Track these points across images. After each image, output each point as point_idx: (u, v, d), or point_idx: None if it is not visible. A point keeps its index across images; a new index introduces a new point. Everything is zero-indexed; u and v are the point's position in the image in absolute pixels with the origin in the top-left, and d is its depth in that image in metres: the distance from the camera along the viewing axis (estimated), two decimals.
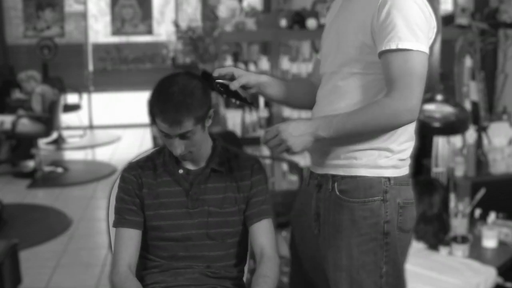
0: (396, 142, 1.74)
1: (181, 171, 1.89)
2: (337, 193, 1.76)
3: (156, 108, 1.75)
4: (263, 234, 1.89)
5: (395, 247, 1.76)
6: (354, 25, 1.72)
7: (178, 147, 1.78)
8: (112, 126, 9.49)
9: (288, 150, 1.67)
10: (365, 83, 1.72)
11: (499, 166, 3.75)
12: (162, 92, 1.76)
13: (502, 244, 3.16)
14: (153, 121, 1.78)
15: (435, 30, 1.71)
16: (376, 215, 1.73)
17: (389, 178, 1.74)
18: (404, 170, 1.78)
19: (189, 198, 1.88)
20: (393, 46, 1.61)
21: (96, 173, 6.65)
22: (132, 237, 1.87)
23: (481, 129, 3.91)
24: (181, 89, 1.74)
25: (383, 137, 1.72)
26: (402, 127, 1.71)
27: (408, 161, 1.81)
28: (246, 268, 2.03)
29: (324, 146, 1.77)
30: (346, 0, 1.82)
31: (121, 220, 1.88)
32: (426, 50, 1.64)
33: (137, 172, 1.90)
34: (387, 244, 1.74)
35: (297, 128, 1.66)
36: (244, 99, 1.86)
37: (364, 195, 1.73)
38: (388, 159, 1.74)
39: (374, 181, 1.73)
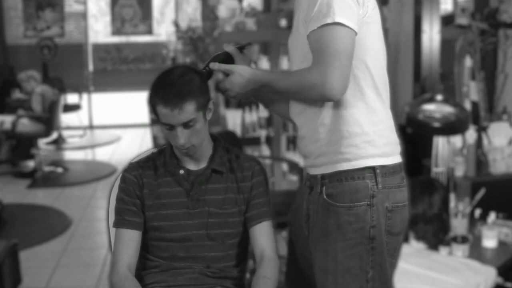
0: (367, 125, 1.71)
1: (182, 171, 1.89)
2: (325, 196, 1.74)
3: (156, 96, 1.76)
4: (264, 236, 1.89)
5: (382, 251, 1.74)
6: (300, 25, 1.74)
7: (182, 137, 1.78)
8: (112, 126, 9.49)
9: (234, 96, 1.78)
10: None
11: (499, 166, 3.75)
12: (162, 81, 1.79)
13: (502, 244, 3.16)
14: (154, 113, 1.79)
15: (369, 5, 1.68)
16: (361, 220, 1.70)
17: (375, 175, 1.70)
18: (392, 159, 1.74)
19: (189, 198, 1.88)
20: (313, 27, 1.61)
21: (96, 173, 6.65)
22: (131, 238, 1.87)
23: (481, 129, 3.91)
24: (180, 76, 1.78)
25: (356, 122, 1.70)
26: (370, 106, 1.71)
27: (396, 147, 1.77)
28: (246, 268, 2.03)
29: (314, 146, 1.77)
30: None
31: (121, 220, 1.88)
32: (348, 23, 1.59)
33: (138, 172, 1.90)
34: (373, 249, 1.73)
35: (240, 78, 1.73)
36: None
37: (350, 200, 1.70)
38: (369, 145, 1.70)
39: (361, 186, 1.70)
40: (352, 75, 1.65)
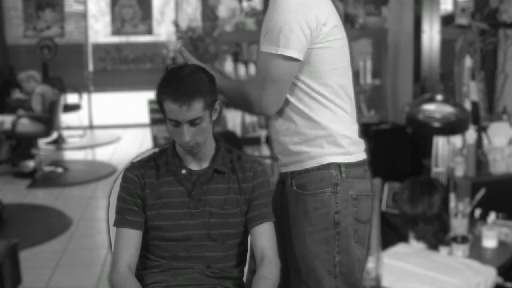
0: (331, 128, 1.89)
1: (183, 171, 1.89)
2: (295, 188, 1.93)
3: (165, 92, 1.77)
4: (264, 237, 1.89)
5: (348, 237, 1.90)
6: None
7: (187, 134, 1.78)
8: (112, 126, 9.49)
9: None
10: None
11: (499, 166, 3.75)
12: (171, 77, 1.80)
13: (502, 244, 3.16)
14: (161, 109, 1.80)
15: (327, 25, 1.84)
16: (326, 205, 1.88)
17: (339, 167, 1.89)
18: (356, 156, 1.93)
19: (191, 198, 1.88)
20: (261, 49, 1.84)
21: (96, 173, 6.65)
22: (132, 237, 1.87)
23: (481, 129, 3.91)
24: (190, 74, 1.80)
25: (320, 126, 1.88)
26: (334, 113, 1.89)
27: (360, 146, 1.96)
28: (246, 268, 2.03)
29: (280, 146, 1.96)
30: None
31: (121, 220, 1.88)
32: (292, 54, 1.79)
33: (140, 172, 1.90)
34: (338, 233, 1.89)
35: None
36: None
37: (316, 188, 1.89)
38: (333, 145, 1.89)
39: (325, 175, 1.89)
40: (312, 86, 1.87)
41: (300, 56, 1.81)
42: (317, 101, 1.88)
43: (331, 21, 1.86)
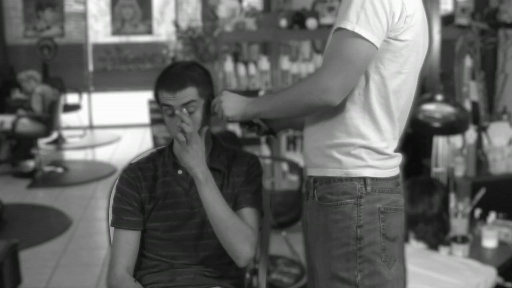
0: (370, 139, 1.66)
1: (180, 171, 1.89)
2: (316, 199, 1.71)
3: (160, 83, 1.80)
4: (244, 220, 1.85)
5: (373, 254, 1.66)
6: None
7: (179, 119, 1.75)
8: (112, 126, 9.49)
9: (222, 112, 1.76)
10: None
11: (499, 166, 3.75)
12: (166, 71, 1.84)
13: (502, 244, 3.16)
14: (157, 101, 1.82)
15: (408, 18, 1.60)
16: (347, 218, 1.65)
17: (364, 180, 1.66)
18: (390, 171, 1.70)
19: (189, 198, 1.88)
20: (336, 25, 1.60)
21: (96, 173, 6.65)
22: (129, 240, 1.87)
23: (481, 129, 3.91)
24: (183, 66, 1.84)
25: (359, 134, 1.65)
26: (376, 122, 1.65)
27: (394, 162, 1.71)
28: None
29: (307, 145, 1.76)
30: None
31: (118, 220, 1.88)
32: (368, 36, 1.54)
33: (137, 174, 1.90)
34: (361, 250, 1.65)
35: (234, 96, 1.77)
36: (265, 129, 1.89)
37: (337, 199, 1.67)
38: (368, 157, 1.67)
39: (348, 187, 1.66)
40: (361, 85, 1.63)
41: (377, 43, 1.56)
42: (361, 104, 1.65)
43: (416, 17, 1.63)
